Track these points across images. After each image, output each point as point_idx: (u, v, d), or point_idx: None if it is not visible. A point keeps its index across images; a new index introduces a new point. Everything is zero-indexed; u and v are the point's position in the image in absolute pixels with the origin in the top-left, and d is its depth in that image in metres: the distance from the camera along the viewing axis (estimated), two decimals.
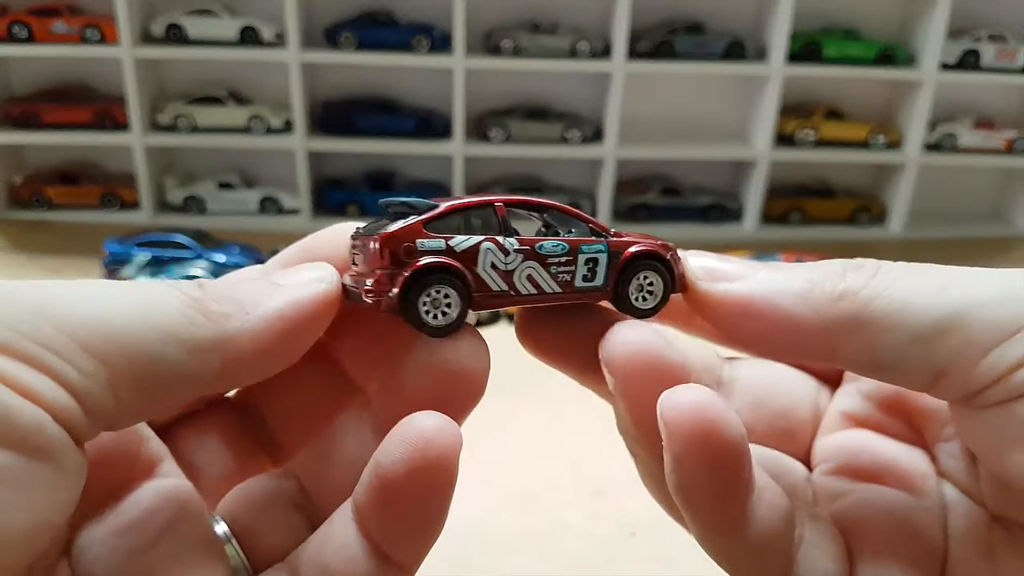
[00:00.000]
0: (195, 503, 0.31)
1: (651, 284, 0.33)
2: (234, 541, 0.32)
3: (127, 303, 0.25)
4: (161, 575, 0.28)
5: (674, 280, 0.33)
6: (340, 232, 0.33)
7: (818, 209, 1.88)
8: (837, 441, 0.37)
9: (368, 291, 0.30)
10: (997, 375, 0.27)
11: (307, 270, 0.30)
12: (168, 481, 0.31)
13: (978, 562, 0.32)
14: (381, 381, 0.33)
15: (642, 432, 0.31)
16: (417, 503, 0.28)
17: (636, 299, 0.33)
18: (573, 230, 0.34)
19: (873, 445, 0.36)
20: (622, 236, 0.34)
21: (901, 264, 0.30)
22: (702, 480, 0.29)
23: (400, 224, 0.30)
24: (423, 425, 0.28)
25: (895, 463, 0.35)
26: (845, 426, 0.37)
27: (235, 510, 0.33)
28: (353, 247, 0.32)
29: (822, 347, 0.30)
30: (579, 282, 0.32)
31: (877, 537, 0.33)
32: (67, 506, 0.23)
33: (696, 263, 0.33)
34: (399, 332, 0.31)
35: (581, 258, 0.33)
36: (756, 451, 0.34)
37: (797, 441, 0.38)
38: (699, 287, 0.32)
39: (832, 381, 0.39)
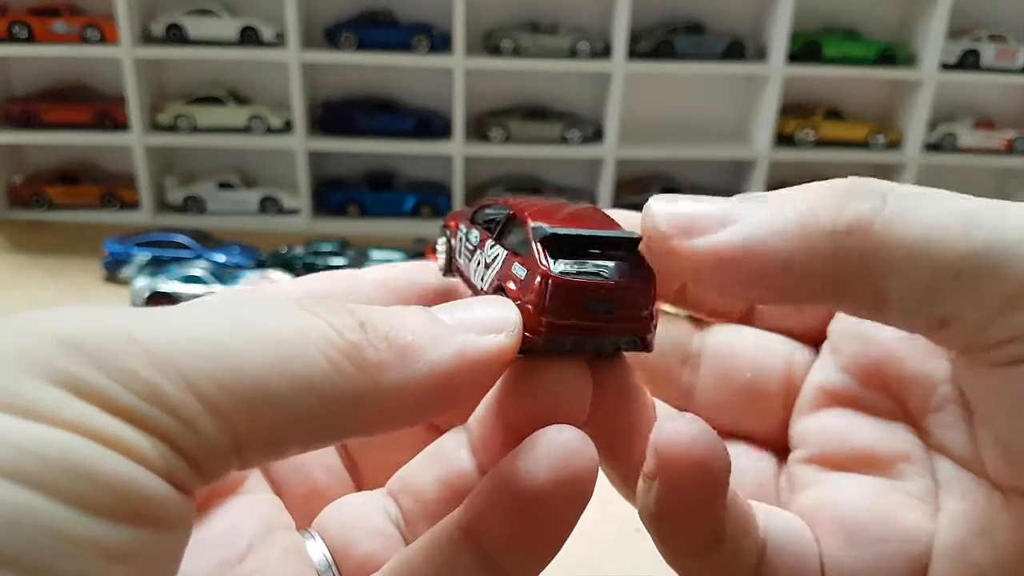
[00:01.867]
0: (282, 518, 0.30)
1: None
2: (330, 557, 0.30)
3: (264, 347, 0.21)
4: None
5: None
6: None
7: None
8: (812, 426, 0.34)
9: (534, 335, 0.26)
10: (1009, 334, 0.24)
11: (487, 307, 0.26)
12: (255, 496, 0.30)
13: (978, 539, 0.29)
14: (481, 407, 0.30)
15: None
16: (553, 516, 0.25)
17: None
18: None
19: (849, 431, 0.33)
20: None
21: (916, 187, 0.25)
22: (686, 512, 0.28)
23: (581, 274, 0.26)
24: (567, 438, 0.25)
25: (871, 448, 0.32)
26: (823, 403, 0.34)
27: (330, 526, 0.31)
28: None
29: (820, 292, 0.26)
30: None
31: (846, 527, 0.31)
32: (179, 563, 0.21)
33: (662, 213, 0.26)
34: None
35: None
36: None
37: (768, 416, 0.35)
38: (672, 246, 0.26)
39: (808, 340, 0.35)
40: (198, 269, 1.39)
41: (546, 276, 0.25)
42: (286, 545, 0.28)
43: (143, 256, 1.48)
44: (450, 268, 0.32)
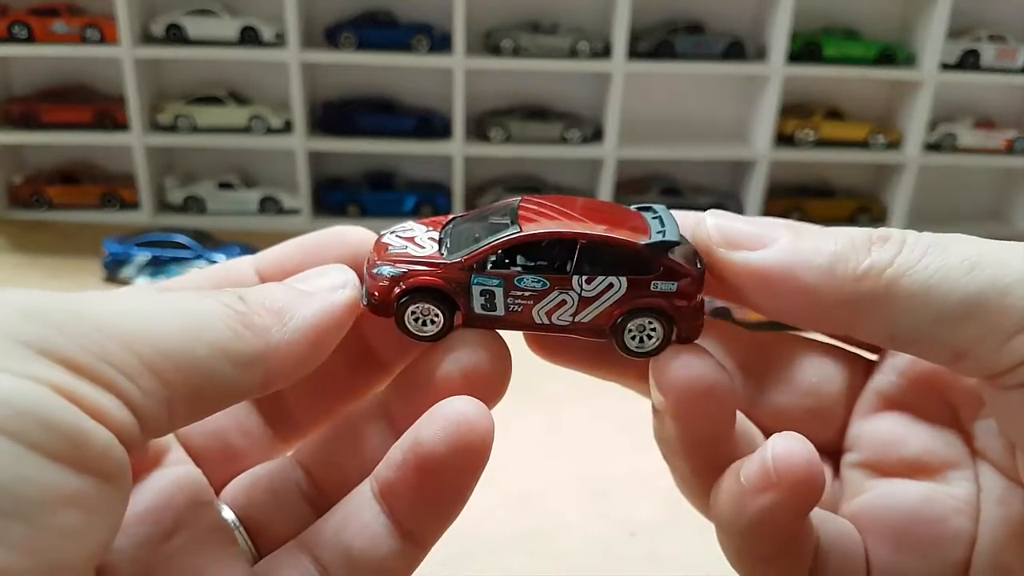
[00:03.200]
0: (206, 491, 0.32)
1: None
2: (241, 528, 0.32)
3: (179, 319, 0.25)
4: (180, 564, 0.29)
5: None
6: (343, 235, 0.35)
7: (818, 209, 1.88)
8: (868, 430, 0.37)
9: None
10: (1018, 360, 0.27)
11: (330, 274, 0.31)
12: (179, 469, 0.32)
13: (1011, 542, 0.31)
14: (399, 383, 0.34)
15: (689, 451, 0.32)
16: (452, 480, 0.29)
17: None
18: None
19: (901, 438, 0.35)
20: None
21: (928, 237, 0.29)
22: (785, 524, 0.31)
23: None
24: (464, 407, 0.29)
25: (920, 456, 0.35)
26: (879, 407, 0.37)
27: (241, 496, 0.33)
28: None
29: (842, 322, 0.30)
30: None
31: (893, 532, 0.33)
32: (120, 520, 0.23)
33: (714, 225, 0.31)
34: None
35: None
36: None
37: (829, 421, 0.37)
38: (717, 254, 0.31)
39: (870, 348, 0.38)
40: (198, 269, 1.39)
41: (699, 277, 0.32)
42: (211, 521, 0.31)
43: (143, 256, 1.48)
44: (379, 301, 0.32)
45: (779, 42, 1.70)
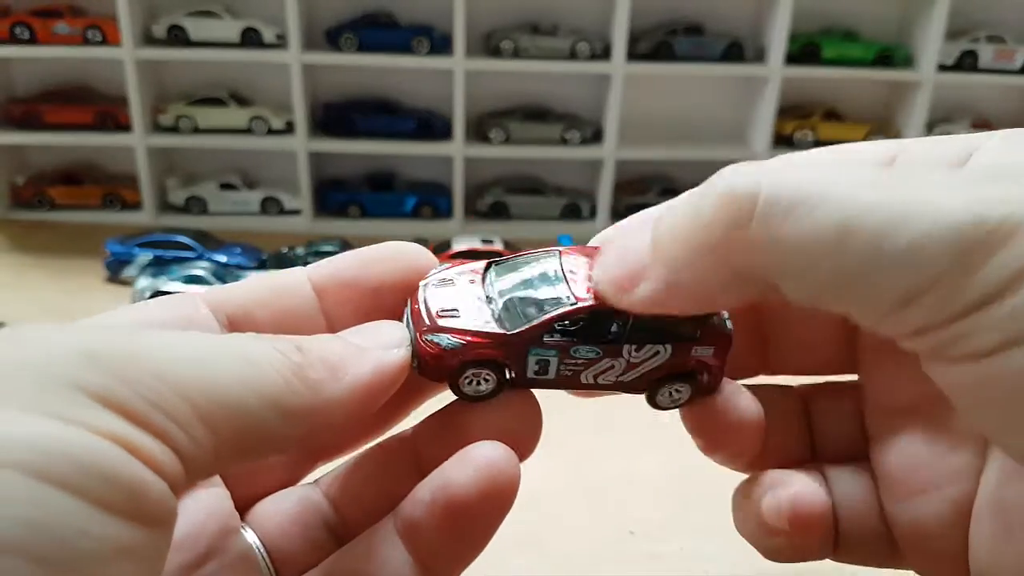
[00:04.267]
0: (234, 517, 0.32)
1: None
2: (265, 554, 0.32)
3: (234, 366, 0.25)
4: None
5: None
6: (398, 251, 0.34)
7: None
8: (871, 376, 0.37)
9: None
10: (906, 332, 0.25)
11: (385, 329, 0.31)
12: (209, 493, 0.32)
13: (1007, 479, 0.31)
14: (430, 424, 0.34)
15: (727, 464, 0.35)
16: (477, 524, 0.30)
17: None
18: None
19: (906, 378, 0.35)
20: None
21: (790, 190, 0.26)
22: (809, 554, 0.34)
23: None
24: (494, 453, 0.30)
25: (925, 392, 0.33)
26: (881, 353, 0.37)
27: (266, 522, 0.33)
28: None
29: (740, 294, 0.29)
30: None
31: (896, 477, 0.35)
32: (164, 562, 0.23)
33: (596, 283, 0.32)
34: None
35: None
36: None
37: (830, 371, 0.39)
38: (621, 305, 0.31)
39: None
40: (200, 269, 1.39)
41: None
42: (239, 548, 0.31)
43: (145, 256, 1.49)
44: (434, 368, 0.32)
45: (778, 43, 1.71)
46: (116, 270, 1.49)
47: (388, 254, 0.34)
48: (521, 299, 0.33)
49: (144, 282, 1.37)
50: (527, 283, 0.34)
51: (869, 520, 0.35)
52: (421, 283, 0.34)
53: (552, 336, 0.32)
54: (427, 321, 0.32)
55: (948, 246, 0.23)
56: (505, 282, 0.34)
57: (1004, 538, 0.30)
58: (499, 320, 0.32)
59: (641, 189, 1.86)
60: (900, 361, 0.30)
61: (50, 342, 0.22)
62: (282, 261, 1.49)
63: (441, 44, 1.71)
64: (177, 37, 1.70)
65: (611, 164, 1.79)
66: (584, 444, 0.90)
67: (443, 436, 0.33)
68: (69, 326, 0.23)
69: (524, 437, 0.32)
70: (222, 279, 1.36)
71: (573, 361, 0.33)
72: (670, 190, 1.85)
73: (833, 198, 0.25)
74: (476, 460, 0.29)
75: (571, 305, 0.32)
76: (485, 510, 0.29)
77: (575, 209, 1.84)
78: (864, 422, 0.36)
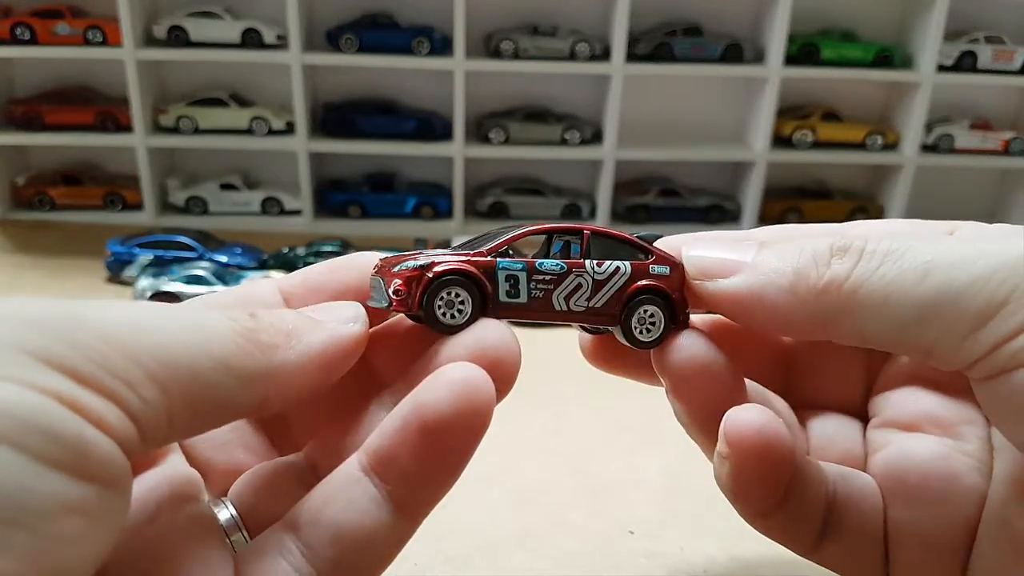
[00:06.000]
0: (192, 486, 0.32)
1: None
2: (241, 525, 0.32)
3: (185, 331, 0.25)
4: (158, 552, 0.29)
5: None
6: (363, 260, 0.36)
7: (815, 210, 1.89)
8: (888, 397, 0.39)
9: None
10: (979, 355, 0.29)
11: (343, 308, 0.32)
12: (170, 468, 0.33)
13: (1015, 500, 0.32)
14: (406, 373, 0.34)
15: (697, 427, 0.35)
16: (452, 446, 0.29)
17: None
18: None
19: (920, 399, 0.38)
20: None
21: (886, 245, 0.31)
22: (754, 487, 0.33)
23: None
24: (469, 372, 0.29)
25: (936, 411, 0.37)
26: (901, 381, 0.39)
27: (241, 491, 0.34)
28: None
29: (814, 332, 0.32)
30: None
31: (909, 486, 0.35)
32: (120, 525, 0.24)
33: (687, 258, 0.34)
34: (426, 330, 0.33)
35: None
36: (814, 420, 0.39)
37: (852, 400, 0.41)
38: (695, 287, 0.34)
39: None
40: (201, 270, 1.40)
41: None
42: (192, 512, 0.31)
43: (146, 257, 1.49)
44: (403, 306, 0.33)
45: (777, 44, 1.71)
46: (117, 270, 1.50)
47: (352, 262, 0.36)
48: (483, 238, 0.35)
49: (145, 282, 1.37)
50: (488, 234, 0.36)
51: (821, 491, 0.35)
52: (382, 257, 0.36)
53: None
54: (393, 261, 0.33)
55: (1012, 271, 0.28)
56: (469, 240, 0.36)
57: (1014, 560, 0.32)
58: (466, 250, 0.34)
59: (641, 189, 1.86)
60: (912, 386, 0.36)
61: None
62: (283, 261, 1.49)
63: (441, 45, 1.72)
64: (178, 38, 1.70)
65: (611, 164, 1.79)
66: (584, 443, 0.91)
67: (415, 372, 0.33)
68: (15, 297, 0.24)
69: (500, 362, 0.31)
70: (223, 279, 1.37)
71: (541, 277, 0.34)
72: (669, 190, 1.86)
73: (919, 247, 0.30)
74: (450, 378, 0.29)
75: (532, 227, 0.35)
76: (461, 430, 0.29)
77: (575, 209, 1.84)
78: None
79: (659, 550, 0.77)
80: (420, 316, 0.33)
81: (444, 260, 0.33)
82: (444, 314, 0.32)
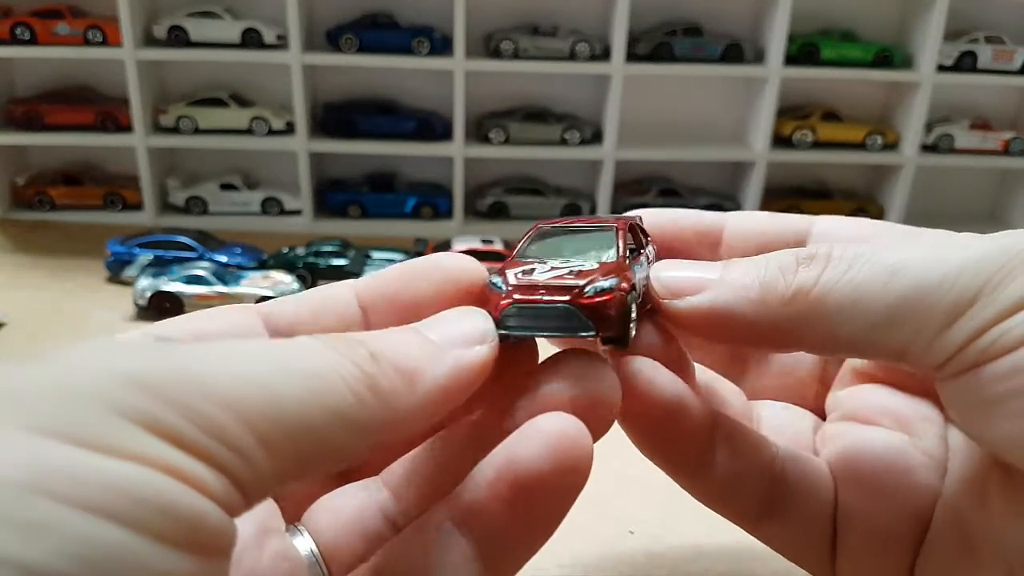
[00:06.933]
0: (275, 521, 0.31)
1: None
2: (319, 556, 0.31)
3: (300, 382, 0.23)
4: None
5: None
6: (439, 262, 0.33)
7: (816, 210, 1.87)
8: (843, 394, 0.39)
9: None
10: (947, 355, 0.29)
11: (468, 321, 0.29)
12: None
13: (968, 501, 0.32)
14: (496, 401, 0.32)
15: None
16: (548, 503, 0.28)
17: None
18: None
19: (876, 394, 0.38)
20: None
21: (853, 250, 0.31)
22: (649, 433, 0.34)
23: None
24: (566, 425, 0.27)
25: (894, 408, 0.37)
26: (856, 381, 0.39)
27: (318, 519, 0.32)
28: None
29: (786, 342, 0.32)
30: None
31: (862, 475, 0.35)
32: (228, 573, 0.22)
33: (658, 281, 0.34)
34: (517, 357, 0.31)
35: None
36: (765, 406, 0.39)
37: (805, 396, 0.41)
38: (663, 307, 0.33)
39: None
40: (200, 270, 1.40)
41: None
42: (276, 550, 0.30)
43: (146, 257, 1.49)
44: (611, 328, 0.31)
45: (777, 44, 1.71)
46: (117, 270, 1.49)
47: (430, 268, 0.33)
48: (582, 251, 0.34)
49: (145, 282, 1.37)
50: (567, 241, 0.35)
51: (762, 461, 0.35)
52: (504, 270, 0.33)
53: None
54: (598, 275, 0.31)
55: (980, 268, 0.28)
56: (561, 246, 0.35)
57: (964, 557, 0.32)
58: (553, 259, 0.33)
59: (640, 189, 1.86)
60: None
61: (92, 367, 0.21)
62: (283, 261, 1.49)
63: (441, 45, 1.72)
64: (178, 38, 1.70)
65: (611, 164, 1.79)
66: None
67: (508, 399, 0.31)
68: (107, 343, 0.22)
69: (601, 409, 0.29)
70: (223, 279, 1.37)
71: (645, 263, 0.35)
72: (669, 190, 1.86)
73: (886, 250, 0.30)
74: (547, 431, 0.27)
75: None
76: (557, 487, 0.27)
77: (575, 209, 1.84)
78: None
79: (659, 550, 0.77)
80: (617, 338, 0.31)
81: (609, 274, 0.31)
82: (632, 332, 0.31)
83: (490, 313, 0.30)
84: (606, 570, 0.78)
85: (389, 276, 0.34)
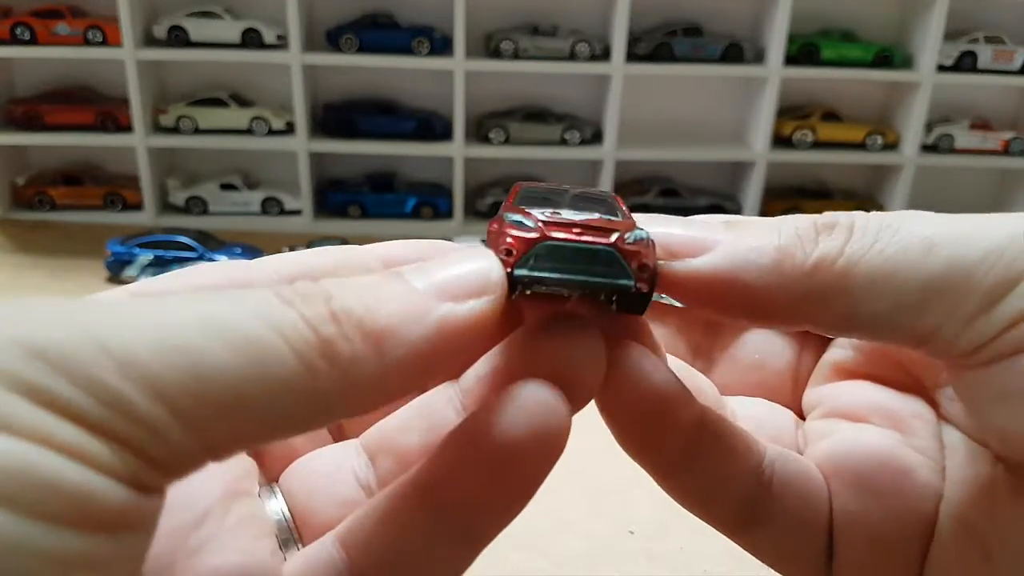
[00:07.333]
0: (246, 483, 0.29)
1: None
2: (289, 518, 0.29)
3: (236, 350, 0.20)
4: (201, 555, 0.26)
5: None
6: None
7: (816, 210, 1.82)
8: (828, 391, 0.36)
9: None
10: (983, 340, 0.26)
11: (466, 262, 0.24)
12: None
13: (976, 503, 0.30)
14: (479, 370, 0.29)
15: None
16: (524, 472, 0.25)
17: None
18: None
19: (863, 390, 0.34)
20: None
21: (877, 219, 0.27)
22: (636, 429, 0.29)
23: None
24: (545, 393, 0.24)
25: (884, 404, 0.34)
26: (837, 378, 0.36)
27: (295, 485, 0.30)
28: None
29: (796, 318, 0.28)
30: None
31: (860, 477, 0.32)
32: (140, 562, 0.21)
33: (656, 233, 0.29)
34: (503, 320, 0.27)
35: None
36: (739, 401, 0.35)
37: (778, 392, 0.37)
38: (666, 265, 0.28)
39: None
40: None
41: None
42: (243, 512, 0.28)
43: (146, 257, 1.49)
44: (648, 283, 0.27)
45: (777, 44, 1.71)
46: (117, 270, 1.50)
47: (449, 247, 0.30)
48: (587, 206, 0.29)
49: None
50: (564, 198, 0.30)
51: (747, 463, 0.31)
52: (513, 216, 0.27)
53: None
54: (629, 224, 0.27)
55: None
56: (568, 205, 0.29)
57: (980, 562, 0.30)
58: (581, 211, 0.27)
59: (640, 189, 1.86)
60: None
61: None
62: None
63: (441, 45, 1.72)
64: (178, 38, 1.70)
65: (611, 165, 1.79)
66: (584, 443, 0.91)
67: (489, 367, 0.28)
68: (24, 309, 0.19)
69: (582, 382, 0.26)
70: None
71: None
72: (669, 191, 1.86)
73: (915, 220, 0.26)
74: (527, 401, 0.24)
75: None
76: (534, 458, 0.24)
77: None
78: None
79: (659, 550, 0.77)
80: (643, 297, 0.27)
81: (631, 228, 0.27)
82: None
83: (503, 255, 0.25)
84: (606, 570, 0.78)
85: (411, 243, 0.30)
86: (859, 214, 0.28)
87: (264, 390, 0.20)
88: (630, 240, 0.26)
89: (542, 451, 0.24)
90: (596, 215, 0.27)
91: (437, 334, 0.22)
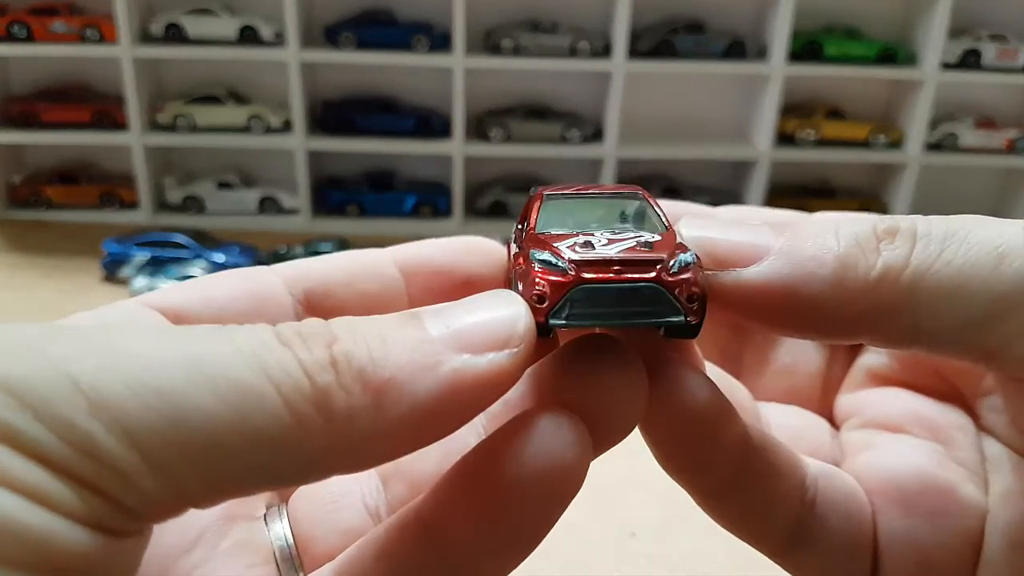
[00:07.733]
0: (244, 507, 0.28)
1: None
2: (292, 544, 0.28)
3: (220, 398, 0.18)
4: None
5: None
6: (489, 246, 0.28)
7: (819, 209, 1.83)
8: (864, 398, 0.34)
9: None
10: None
11: (491, 308, 0.22)
12: None
13: (1023, 520, 0.28)
14: (508, 393, 0.28)
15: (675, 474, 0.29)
16: (530, 513, 0.22)
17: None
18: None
19: (902, 399, 0.33)
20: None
21: (940, 225, 0.25)
22: (687, 449, 0.27)
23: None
24: (560, 429, 0.22)
25: (924, 414, 0.32)
26: (871, 384, 0.34)
27: (299, 507, 0.29)
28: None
29: (855, 332, 0.26)
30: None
31: (906, 494, 0.30)
32: None
33: (692, 240, 0.26)
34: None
35: None
36: (773, 409, 0.33)
37: (809, 399, 0.35)
38: (714, 273, 0.26)
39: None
40: (197, 269, 1.38)
41: None
42: (240, 537, 0.26)
43: (142, 256, 1.48)
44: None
45: (780, 41, 1.70)
46: (113, 269, 1.48)
47: (480, 247, 0.29)
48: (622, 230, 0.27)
49: (141, 281, 1.36)
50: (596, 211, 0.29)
51: (793, 483, 0.30)
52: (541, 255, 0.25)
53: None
54: (675, 249, 0.24)
55: None
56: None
57: None
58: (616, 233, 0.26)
59: (642, 188, 1.85)
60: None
61: None
62: (280, 261, 1.48)
63: (441, 42, 1.70)
64: (175, 35, 1.69)
65: (612, 163, 1.78)
66: None
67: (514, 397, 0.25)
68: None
69: (616, 408, 0.24)
70: None
71: None
72: (671, 189, 1.84)
73: (980, 228, 0.25)
74: (541, 436, 0.22)
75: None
76: (541, 497, 0.22)
77: None
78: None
79: (661, 552, 0.76)
80: (694, 326, 0.24)
81: (677, 247, 0.25)
82: None
83: (534, 302, 0.23)
84: (607, 571, 0.77)
85: (435, 247, 0.29)
86: (919, 218, 0.26)
87: (246, 441, 0.18)
88: (674, 269, 0.24)
89: (548, 494, 0.22)
90: (631, 236, 0.24)
91: (447, 390, 0.20)
